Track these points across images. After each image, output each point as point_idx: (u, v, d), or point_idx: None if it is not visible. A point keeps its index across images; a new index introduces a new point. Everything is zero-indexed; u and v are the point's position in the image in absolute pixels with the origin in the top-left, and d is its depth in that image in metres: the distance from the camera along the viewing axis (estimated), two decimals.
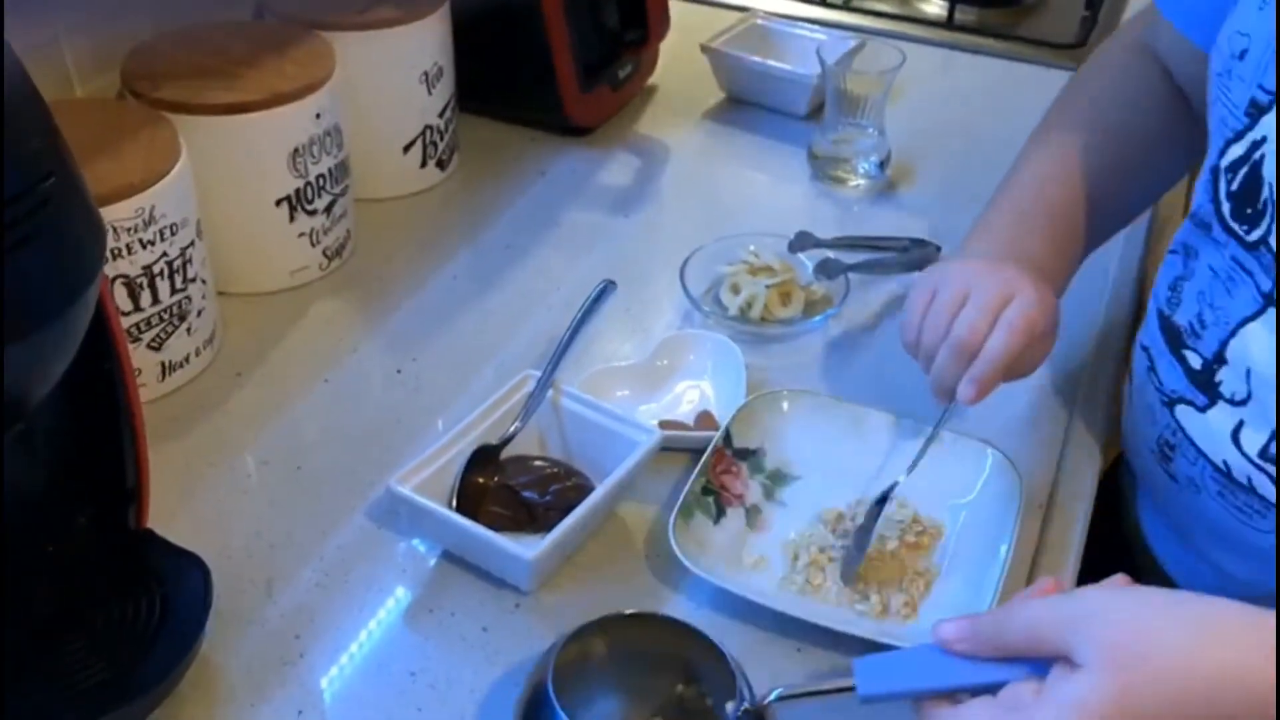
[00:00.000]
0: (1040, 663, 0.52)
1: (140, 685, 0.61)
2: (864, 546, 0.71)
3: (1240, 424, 0.67)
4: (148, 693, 0.61)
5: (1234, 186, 0.65)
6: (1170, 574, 0.80)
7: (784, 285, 0.91)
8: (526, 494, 0.73)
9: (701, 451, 0.77)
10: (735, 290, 0.91)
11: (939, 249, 0.97)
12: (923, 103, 1.22)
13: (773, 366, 0.87)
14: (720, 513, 0.74)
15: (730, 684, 0.58)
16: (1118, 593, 0.52)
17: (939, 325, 0.71)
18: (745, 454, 0.78)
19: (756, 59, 1.19)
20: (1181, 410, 0.71)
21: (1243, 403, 0.66)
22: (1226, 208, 0.66)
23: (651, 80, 1.24)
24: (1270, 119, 0.62)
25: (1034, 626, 0.51)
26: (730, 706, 0.57)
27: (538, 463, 0.76)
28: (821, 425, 0.79)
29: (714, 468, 0.75)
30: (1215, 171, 0.66)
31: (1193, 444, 0.71)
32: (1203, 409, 0.69)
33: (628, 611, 0.64)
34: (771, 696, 0.57)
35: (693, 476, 0.74)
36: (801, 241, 0.96)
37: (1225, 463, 0.68)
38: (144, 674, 0.61)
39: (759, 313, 0.90)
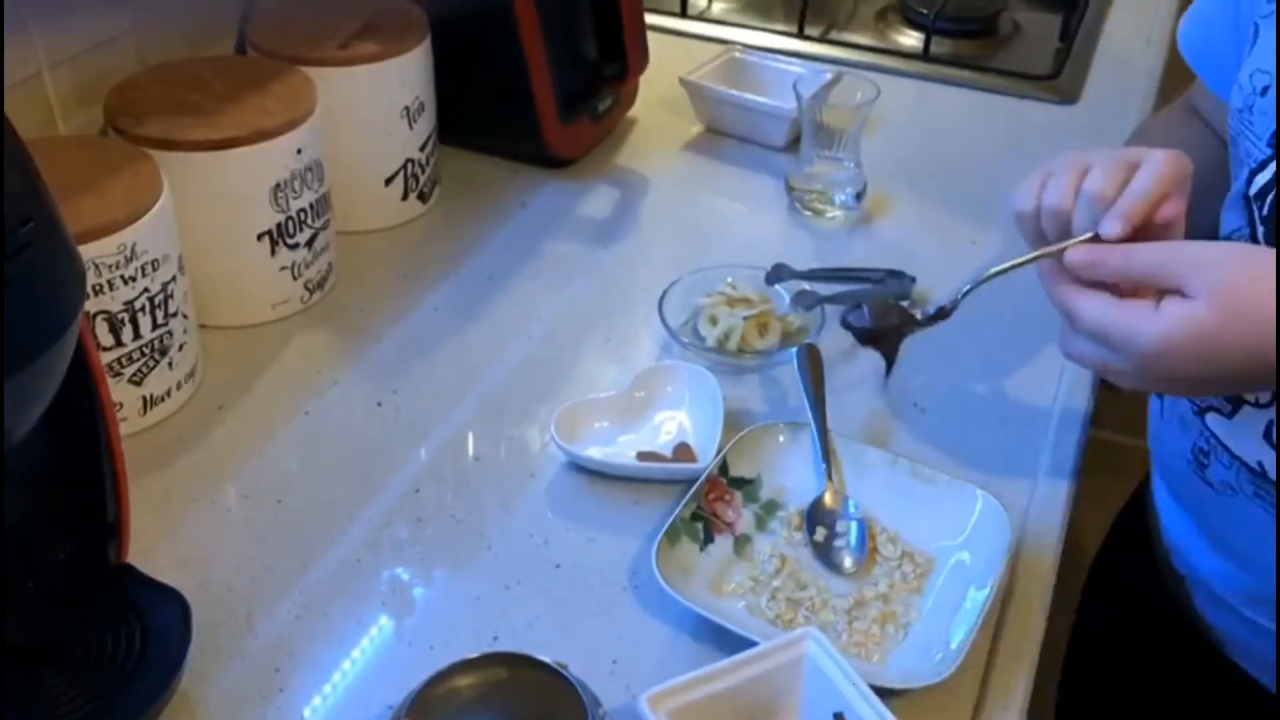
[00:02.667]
0: None
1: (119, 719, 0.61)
2: None
3: (1269, 425, 0.70)
4: None
5: (1264, 211, 0.69)
6: (1206, 580, 0.82)
7: (761, 316, 0.92)
8: None
9: (680, 483, 0.78)
10: (713, 321, 0.92)
11: (914, 280, 0.99)
12: (899, 134, 1.24)
13: (750, 397, 0.88)
14: (708, 539, 0.75)
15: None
16: (1232, 248, 0.63)
17: (1063, 187, 0.68)
18: (740, 483, 0.78)
19: (734, 92, 1.20)
20: (1211, 418, 0.74)
21: (1267, 405, 0.70)
22: (1261, 231, 0.70)
23: (631, 113, 1.25)
24: None
25: (1158, 263, 0.62)
26: None
27: None
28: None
29: (706, 495, 0.76)
30: (1246, 199, 0.71)
31: (1226, 449, 0.73)
32: (1229, 415, 0.72)
33: (494, 651, 0.64)
34: None
35: (683, 502, 0.75)
36: (778, 273, 0.97)
37: (1260, 463, 0.71)
38: (123, 708, 0.62)
39: (736, 344, 0.91)
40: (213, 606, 0.71)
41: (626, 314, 0.98)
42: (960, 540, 0.75)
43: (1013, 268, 0.73)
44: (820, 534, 0.76)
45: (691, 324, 0.94)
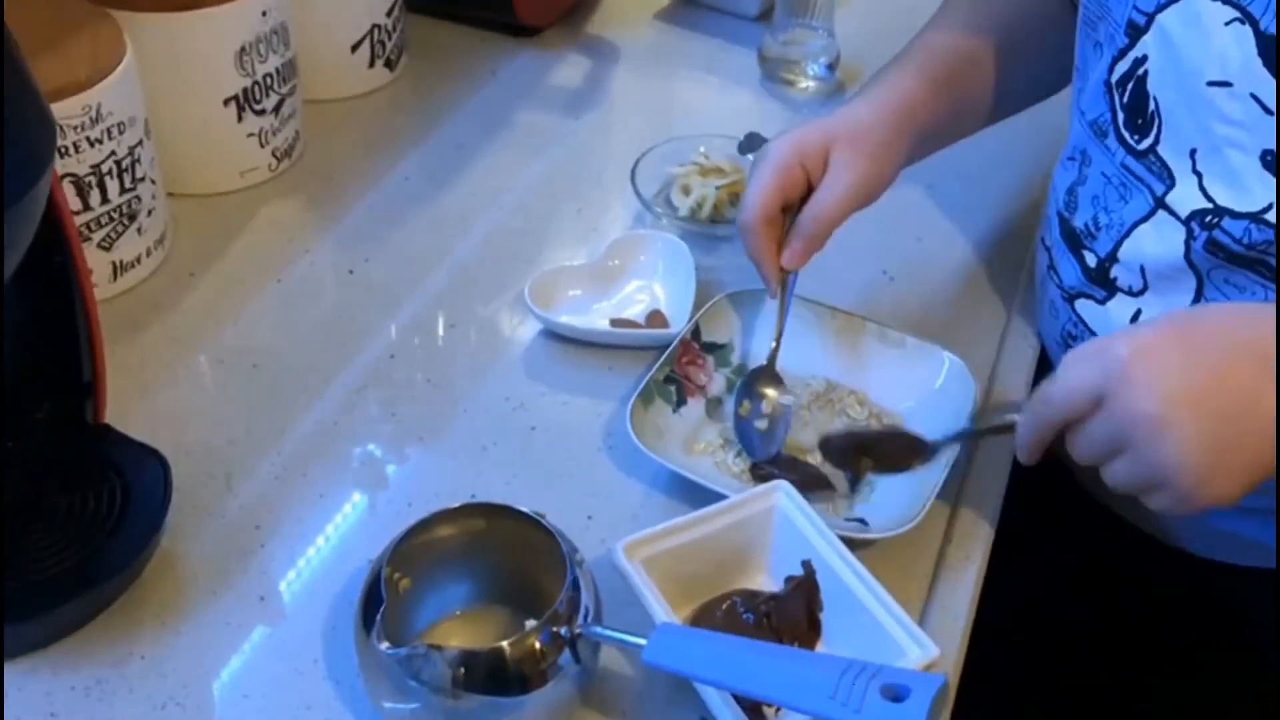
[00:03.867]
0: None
1: (103, 572, 0.62)
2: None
3: (1138, 312, 0.72)
4: (111, 579, 0.63)
5: (1125, 99, 0.69)
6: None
7: (733, 186, 0.92)
8: None
9: (653, 348, 0.78)
10: (686, 191, 0.92)
11: None
12: (873, 6, 1.22)
13: (722, 266, 0.89)
14: (681, 401, 0.76)
15: (562, 567, 0.58)
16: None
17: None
18: (713, 348, 0.79)
19: None
20: (1082, 304, 0.76)
21: (1140, 293, 0.72)
22: (1121, 118, 0.70)
23: None
24: (1148, 38, 0.67)
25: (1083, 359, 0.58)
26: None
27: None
28: (789, 324, 0.80)
29: (679, 359, 0.77)
30: (1108, 85, 0.71)
31: (1092, 334, 0.75)
32: (1102, 301, 0.74)
33: (473, 502, 0.64)
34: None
35: (656, 365, 0.76)
36: (751, 143, 0.97)
37: None
38: (106, 562, 0.63)
39: (709, 213, 0.91)
40: (192, 468, 0.71)
41: (599, 184, 0.97)
42: (927, 399, 0.76)
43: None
44: (745, 407, 0.76)
45: (664, 194, 0.94)
